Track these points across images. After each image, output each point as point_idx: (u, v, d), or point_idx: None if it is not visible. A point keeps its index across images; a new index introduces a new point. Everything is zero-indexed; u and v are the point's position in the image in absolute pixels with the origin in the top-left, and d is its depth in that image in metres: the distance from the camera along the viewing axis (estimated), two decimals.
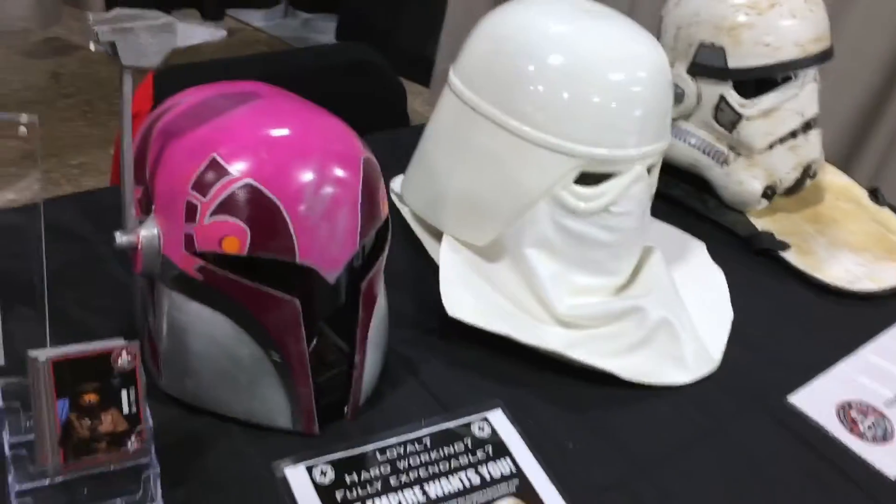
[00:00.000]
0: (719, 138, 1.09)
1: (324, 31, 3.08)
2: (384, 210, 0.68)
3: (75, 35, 2.76)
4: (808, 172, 1.08)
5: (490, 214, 0.86)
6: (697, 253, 1.03)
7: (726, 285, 0.99)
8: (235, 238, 0.60)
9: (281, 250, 0.61)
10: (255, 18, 3.11)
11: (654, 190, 0.90)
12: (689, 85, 1.07)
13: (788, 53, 1.02)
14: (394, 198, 0.98)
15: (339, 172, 0.64)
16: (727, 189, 1.09)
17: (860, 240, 1.11)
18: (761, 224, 1.10)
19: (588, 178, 0.83)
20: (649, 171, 0.87)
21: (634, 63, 0.82)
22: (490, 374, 0.80)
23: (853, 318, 0.99)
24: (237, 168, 0.61)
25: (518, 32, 0.83)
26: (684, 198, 1.12)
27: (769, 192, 1.09)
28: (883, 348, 0.94)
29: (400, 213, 0.97)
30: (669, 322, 0.85)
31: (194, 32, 0.61)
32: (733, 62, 1.04)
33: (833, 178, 1.22)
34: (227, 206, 0.60)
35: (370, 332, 0.70)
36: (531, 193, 0.83)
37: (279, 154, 0.62)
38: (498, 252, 0.87)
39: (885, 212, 1.18)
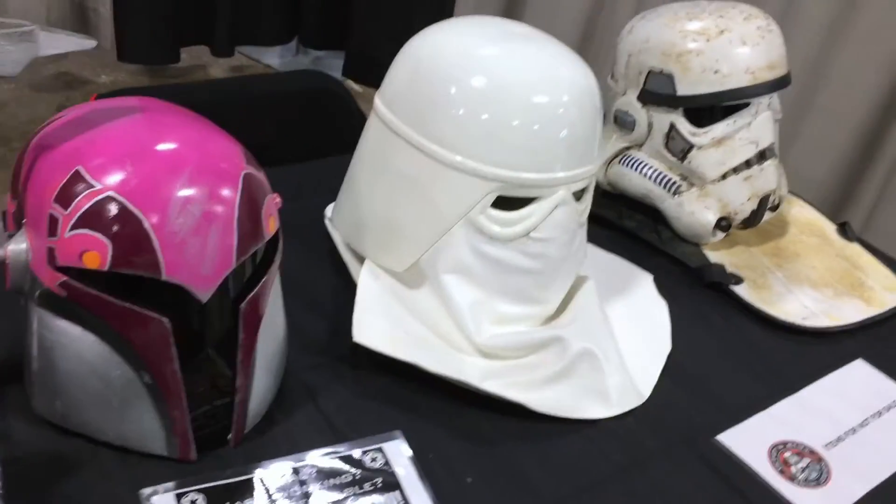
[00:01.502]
0: (671, 168, 1.05)
1: (334, 68, 3.10)
2: (269, 228, 0.66)
3: (85, 70, 2.81)
4: (765, 204, 1.04)
5: (408, 239, 0.84)
6: (643, 285, 0.99)
7: (668, 318, 0.95)
8: (96, 252, 0.59)
9: (145, 266, 0.60)
10: (267, 56, 3.14)
11: (583, 217, 0.86)
12: (640, 113, 1.04)
13: (739, 81, 0.99)
14: (326, 223, 0.96)
15: (213, 188, 0.62)
16: (679, 220, 1.06)
17: (822, 275, 1.07)
18: (717, 257, 1.06)
19: (510, 203, 0.81)
20: (579, 196, 0.85)
21: (557, 86, 0.80)
22: (397, 403, 0.77)
23: (803, 356, 0.94)
24: (100, 181, 0.59)
25: (440, 54, 0.81)
26: (638, 229, 1.09)
27: (724, 224, 1.05)
28: (828, 388, 0.89)
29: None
30: (592, 353, 0.81)
31: (59, 42, 0.60)
32: (682, 89, 1.01)
33: (799, 212, 1.17)
34: (87, 220, 0.59)
35: (257, 355, 0.68)
36: (447, 218, 0.81)
37: (147, 167, 0.61)
38: (418, 278, 0.84)
39: (854, 247, 1.13)
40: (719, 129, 1.01)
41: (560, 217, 0.82)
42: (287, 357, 0.75)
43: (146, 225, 0.59)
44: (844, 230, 1.15)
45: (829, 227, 1.16)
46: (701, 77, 0.99)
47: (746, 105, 1.01)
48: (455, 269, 0.82)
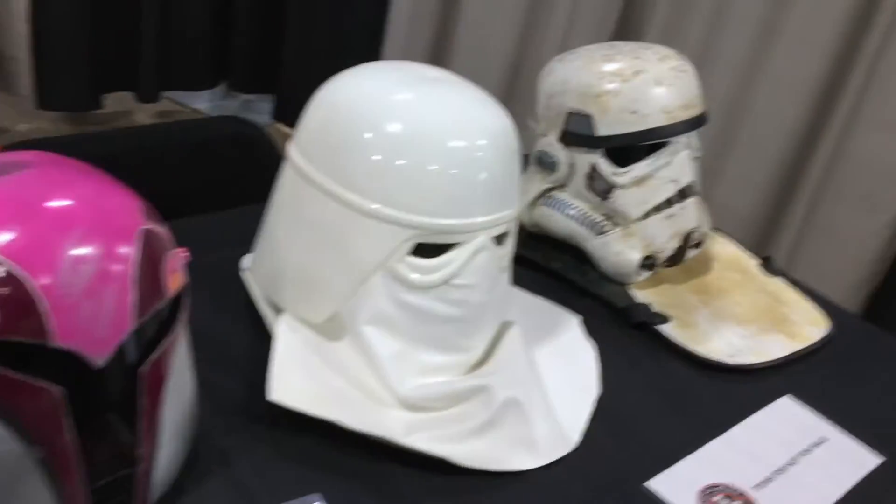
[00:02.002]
0: (595, 208, 1.05)
1: (264, 111, 3.07)
2: (172, 285, 0.63)
3: (6, 119, 2.73)
4: (688, 242, 1.04)
5: (324, 290, 0.81)
6: (570, 328, 0.98)
7: (596, 361, 0.94)
8: None
9: (34, 332, 0.56)
10: (195, 100, 3.10)
11: (505, 261, 0.85)
12: (561, 154, 1.04)
13: (656, 120, 0.99)
14: (243, 275, 0.93)
15: (107, 245, 0.58)
16: (605, 260, 1.05)
17: (746, 311, 1.07)
18: (643, 296, 1.05)
19: (429, 250, 0.79)
20: (501, 240, 0.83)
21: (474, 129, 0.78)
22: (318, 464, 0.74)
23: (731, 394, 0.94)
24: None
25: (353, 100, 0.79)
26: (564, 270, 1.08)
27: (648, 263, 1.05)
28: (756, 427, 0.89)
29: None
30: (518, 402, 0.79)
31: None
32: (602, 130, 1.01)
33: (722, 248, 1.18)
34: None
35: (162, 421, 0.64)
36: (364, 267, 0.78)
37: (36, 226, 0.57)
38: (338, 330, 0.82)
39: (777, 282, 1.14)
40: (640, 168, 1.02)
41: (481, 263, 0.80)
42: (198, 420, 0.71)
43: (34, 287, 0.55)
44: (768, 265, 1.16)
45: (752, 263, 1.17)
46: (619, 118, 1.00)
47: (665, 144, 1.02)
48: (375, 320, 0.79)
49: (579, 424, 0.84)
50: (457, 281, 0.79)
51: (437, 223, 0.77)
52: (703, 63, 1.75)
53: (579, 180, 1.05)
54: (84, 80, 2.53)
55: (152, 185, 1.09)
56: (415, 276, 0.78)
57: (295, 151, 0.83)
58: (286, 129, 3.07)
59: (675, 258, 1.05)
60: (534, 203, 1.09)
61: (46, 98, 2.50)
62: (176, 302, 0.65)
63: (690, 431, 0.86)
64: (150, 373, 0.62)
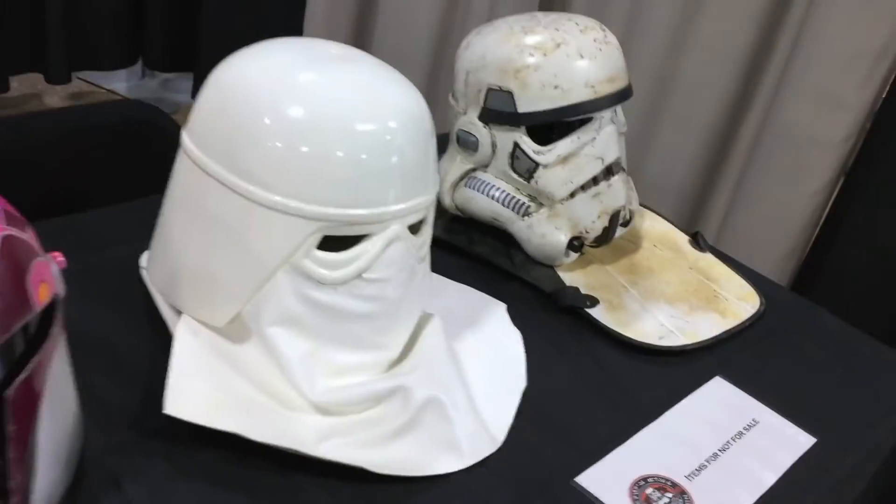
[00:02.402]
0: (519, 189, 1.01)
1: (184, 90, 2.95)
2: (40, 296, 0.56)
3: None
4: (615, 220, 1.00)
5: (225, 291, 0.75)
6: (496, 316, 0.94)
7: (523, 351, 0.89)
8: None
9: None
10: (111, 79, 2.96)
11: (423, 250, 0.80)
12: (482, 133, 0.99)
13: (579, 95, 0.95)
14: (143, 274, 0.86)
15: None
16: (530, 242, 1.01)
17: (676, 290, 1.04)
18: (572, 278, 1.01)
19: (338, 243, 0.73)
20: (416, 229, 0.78)
21: (383, 111, 0.72)
22: (220, 480, 0.68)
23: (662, 378, 0.91)
24: None
25: (249, 83, 0.73)
26: (490, 255, 1.04)
27: (576, 244, 1.01)
28: (687, 412, 0.86)
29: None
30: (439, 401, 0.75)
31: None
32: (522, 106, 0.96)
33: (651, 225, 1.15)
34: None
35: (36, 447, 0.58)
36: (267, 264, 0.72)
37: None
38: (243, 333, 0.76)
39: (707, 258, 1.11)
40: (563, 145, 0.97)
41: (395, 254, 0.75)
42: (82, 440, 0.65)
43: None
44: (697, 240, 1.13)
45: (682, 239, 1.14)
46: (540, 93, 0.95)
47: (590, 120, 0.98)
48: (281, 321, 0.74)
49: (505, 420, 0.80)
50: (369, 275, 0.74)
51: (345, 214, 0.71)
52: (630, 34, 1.72)
53: (502, 160, 1.00)
54: None
55: (46, 177, 1.00)
56: (323, 272, 0.72)
57: (188, 139, 0.76)
58: None
59: (603, 238, 1.01)
60: (455, 185, 1.04)
61: None
62: (48, 314, 0.59)
63: (620, 421, 0.83)
64: (18, 396, 0.56)
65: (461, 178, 1.03)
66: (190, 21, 2.68)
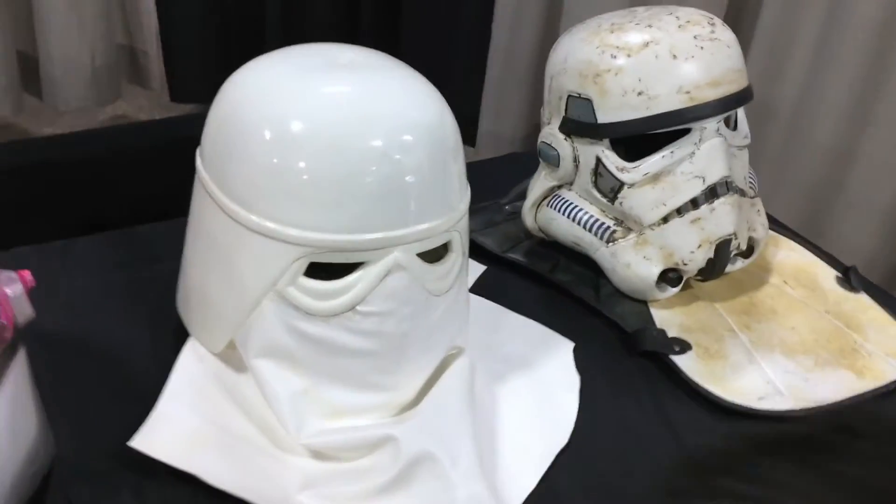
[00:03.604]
0: (604, 210, 0.87)
1: None
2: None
3: (143, 112, 2.84)
4: (724, 251, 0.84)
5: (218, 315, 0.70)
6: (557, 357, 0.82)
7: (576, 401, 0.77)
8: None
9: None
10: None
11: (445, 282, 0.70)
12: (563, 145, 0.87)
13: (670, 102, 0.80)
14: None
15: None
16: (615, 273, 0.87)
17: (803, 339, 0.85)
18: (666, 316, 0.86)
19: (334, 269, 0.66)
20: (437, 256, 0.69)
21: (381, 124, 0.64)
22: None
23: (751, 449, 0.74)
24: None
25: (242, 94, 0.67)
26: (573, 284, 0.91)
27: (673, 277, 0.86)
28: None
29: None
30: (432, 457, 0.65)
31: None
32: (602, 116, 0.83)
33: (787, 256, 0.96)
34: None
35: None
36: (252, 290, 0.67)
37: None
38: (241, 361, 0.71)
39: (859, 300, 0.91)
40: (653, 162, 0.83)
41: (396, 285, 0.66)
42: (39, 476, 0.62)
43: None
44: (847, 278, 0.93)
45: (827, 275, 0.94)
46: (622, 101, 0.81)
47: (687, 132, 0.82)
48: (267, 352, 0.68)
49: (526, 484, 0.69)
50: (364, 308, 0.66)
51: (330, 239, 0.64)
52: (829, 26, 1.48)
53: (585, 177, 0.87)
54: (212, 71, 2.58)
55: (135, 186, 1.01)
56: (310, 302, 0.66)
57: (198, 155, 0.72)
58: None
59: (709, 271, 0.85)
60: (538, 204, 0.92)
61: (176, 91, 2.56)
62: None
63: (683, 496, 0.68)
64: None
65: (544, 197, 0.92)
66: (394, 34, 2.73)
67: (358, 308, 0.66)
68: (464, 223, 0.71)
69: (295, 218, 0.64)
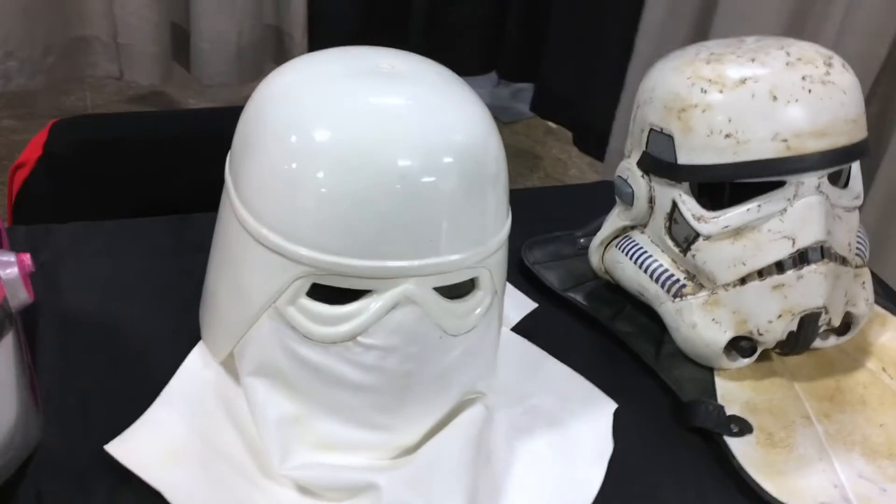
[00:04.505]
0: (675, 261, 0.78)
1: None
2: None
3: None
4: (809, 326, 0.73)
5: (222, 324, 0.67)
6: (594, 419, 0.73)
7: (601, 472, 0.68)
8: None
9: None
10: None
11: (469, 321, 0.63)
12: (639, 183, 0.78)
13: (762, 150, 0.70)
14: None
15: None
16: (679, 332, 0.78)
17: (892, 440, 0.73)
18: (733, 390, 0.76)
19: (343, 295, 0.61)
20: (460, 293, 0.63)
21: (401, 145, 0.58)
22: None
23: None
24: None
25: (266, 95, 0.63)
26: (632, 338, 0.81)
27: (745, 346, 0.75)
28: None
29: None
30: None
31: None
32: (683, 156, 0.73)
33: (893, 340, 0.83)
34: None
35: None
36: (253, 304, 0.62)
37: None
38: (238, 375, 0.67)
39: None
40: (736, 214, 0.73)
41: (403, 320, 0.60)
42: (24, 451, 0.61)
43: None
44: None
45: None
46: (706, 142, 0.72)
47: (782, 185, 0.72)
48: (261, 372, 0.63)
49: None
50: (365, 339, 0.60)
51: (335, 262, 0.58)
52: None
53: (659, 221, 0.78)
54: None
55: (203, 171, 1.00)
56: (309, 325, 0.61)
57: (229, 156, 0.68)
58: (551, 124, 2.91)
59: (790, 345, 0.74)
60: (607, 243, 0.84)
61: None
62: None
63: None
64: None
65: (615, 237, 0.83)
66: (538, 34, 2.66)
67: (359, 339, 0.60)
68: (497, 259, 0.64)
69: (301, 234, 0.59)
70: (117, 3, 2.24)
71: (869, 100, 1.47)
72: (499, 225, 0.64)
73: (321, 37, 2.55)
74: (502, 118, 2.90)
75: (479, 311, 0.64)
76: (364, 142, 0.58)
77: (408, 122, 0.59)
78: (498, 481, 0.66)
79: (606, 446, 0.70)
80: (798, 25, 1.70)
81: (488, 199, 0.62)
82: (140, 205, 0.95)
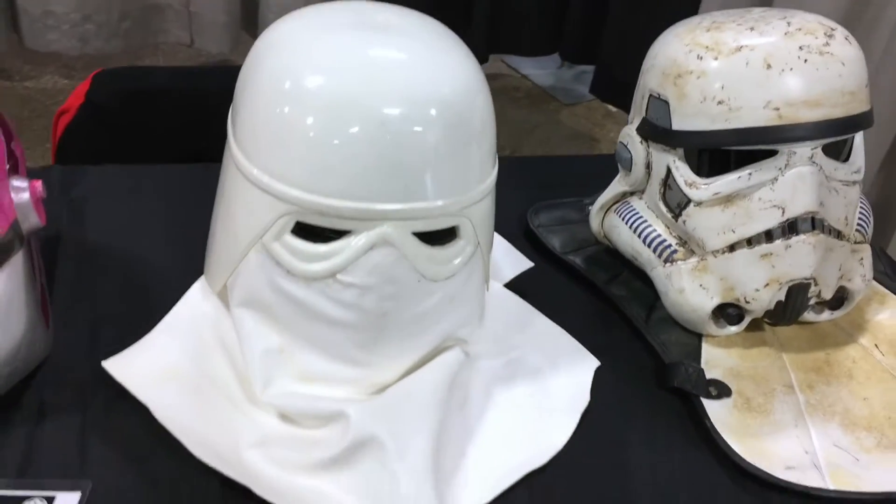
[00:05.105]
0: (669, 226, 0.79)
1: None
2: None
3: None
4: (798, 296, 0.73)
5: (218, 257, 0.71)
6: (573, 374, 0.75)
7: (573, 424, 0.70)
8: None
9: None
10: (527, 66, 3.06)
11: (449, 268, 0.66)
12: (638, 149, 0.79)
13: (754, 118, 0.71)
14: None
15: None
16: (667, 297, 0.79)
17: (873, 413, 0.73)
18: (718, 356, 0.77)
19: (330, 234, 0.64)
20: (444, 239, 0.65)
21: (383, 92, 0.60)
22: (131, 447, 0.64)
23: None
24: None
25: (265, 44, 0.66)
26: (624, 301, 0.83)
27: (733, 314, 0.76)
28: None
29: None
30: (379, 443, 0.62)
31: None
32: (677, 122, 0.75)
33: (890, 318, 0.82)
34: None
35: None
36: (242, 239, 0.66)
37: None
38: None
39: None
40: (726, 182, 0.73)
41: (380, 261, 0.63)
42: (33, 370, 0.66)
43: None
44: None
45: None
46: (700, 108, 0.72)
47: (772, 153, 0.72)
48: (248, 303, 0.67)
49: (480, 497, 0.64)
50: (344, 277, 0.64)
51: (317, 202, 0.62)
52: None
53: (655, 187, 0.79)
54: None
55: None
56: (292, 261, 0.64)
57: (232, 106, 0.72)
58: (611, 107, 2.89)
59: (778, 316, 0.75)
60: (607, 208, 0.85)
61: None
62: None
63: None
64: None
65: (615, 202, 0.84)
66: (601, 14, 2.64)
67: (338, 276, 0.64)
68: (480, 209, 0.67)
69: (286, 173, 0.62)
70: None
71: None
72: (482, 176, 0.66)
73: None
74: (563, 100, 2.90)
75: (459, 258, 0.67)
76: (351, 90, 0.61)
77: (395, 73, 0.62)
78: (471, 423, 0.69)
79: (583, 400, 0.72)
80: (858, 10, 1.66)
81: (471, 152, 0.65)
82: (173, 154, 1.00)
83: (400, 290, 0.65)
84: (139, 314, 0.73)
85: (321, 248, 0.64)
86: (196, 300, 0.73)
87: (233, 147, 0.66)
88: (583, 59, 2.92)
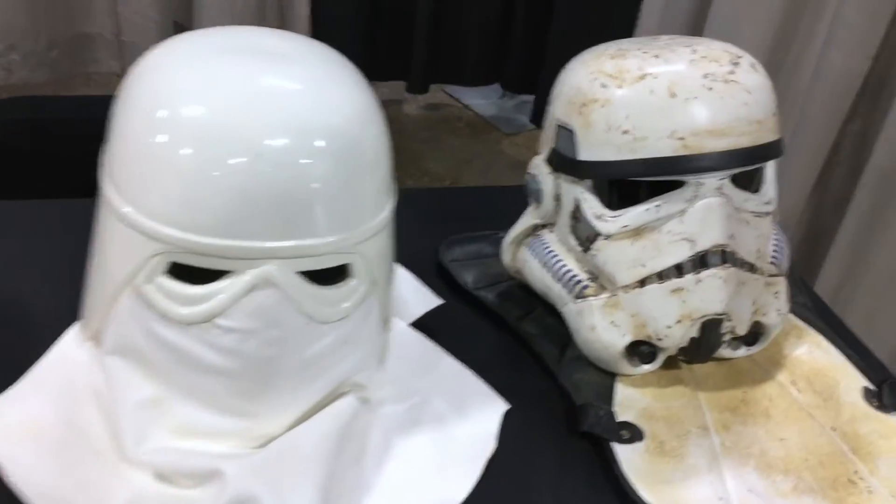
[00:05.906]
0: (579, 261, 0.76)
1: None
2: None
3: None
4: (711, 332, 0.70)
5: (91, 301, 0.66)
6: (478, 419, 0.70)
7: (477, 472, 0.66)
8: None
9: None
10: (469, 96, 3.05)
11: (337, 309, 0.62)
12: (546, 180, 0.76)
13: (659, 148, 0.68)
14: None
15: None
16: (578, 334, 0.75)
17: (791, 455, 0.70)
18: (632, 396, 0.74)
19: (208, 274, 0.59)
20: (334, 278, 0.61)
21: (264, 122, 0.57)
22: None
23: None
24: None
25: (139, 71, 0.62)
26: (536, 339, 0.79)
27: (646, 351, 0.73)
28: None
29: None
30: (257, 500, 0.57)
31: None
32: (583, 152, 0.72)
33: (808, 353, 0.79)
34: None
35: None
36: (113, 282, 0.61)
37: None
38: None
39: (885, 422, 0.73)
40: (635, 214, 0.70)
41: (263, 303, 0.59)
42: None
43: None
44: (879, 393, 0.76)
45: (853, 385, 0.76)
46: (605, 137, 0.70)
47: (680, 185, 0.69)
48: (121, 350, 0.62)
49: None
50: (223, 321, 0.59)
51: (189, 240, 0.57)
52: None
53: (564, 219, 0.76)
54: (361, 67, 2.60)
55: None
56: (167, 305, 0.60)
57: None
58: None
59: (692, 353, 0.72)
60: (518, 242, 0.82)
61: None
62: None
63: None
64: None
65: (526, 235, 0.81)
66: (542, 44, 2.65)
67: (217, 321, 0.59)
68: (373, 245, 0.63)
69: (157, 210, 0.58)
70: (121, 2, 2.27)
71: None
72: (375, 210, 0.63)
73: (323, 40, 2.55)
74: (504, 129, 2.89)
75: (352, 299, 0.63)
76: (228, 118, 0.57)
77: (279, 101, 0.58)
78: (367, 476, 0.64)
79: (488, 447, 0.68)
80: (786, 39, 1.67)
81: (364, 185, 0.61)
82: (75, 185, 0.95)
83: (286, 334, 0.60)
84: (12, 363, 0.68)
85: (198, 289, 0.59)
86: (70, 347, 0.68)
87: (104, 182, 0.62)
88: (523, 88, 2.92)
